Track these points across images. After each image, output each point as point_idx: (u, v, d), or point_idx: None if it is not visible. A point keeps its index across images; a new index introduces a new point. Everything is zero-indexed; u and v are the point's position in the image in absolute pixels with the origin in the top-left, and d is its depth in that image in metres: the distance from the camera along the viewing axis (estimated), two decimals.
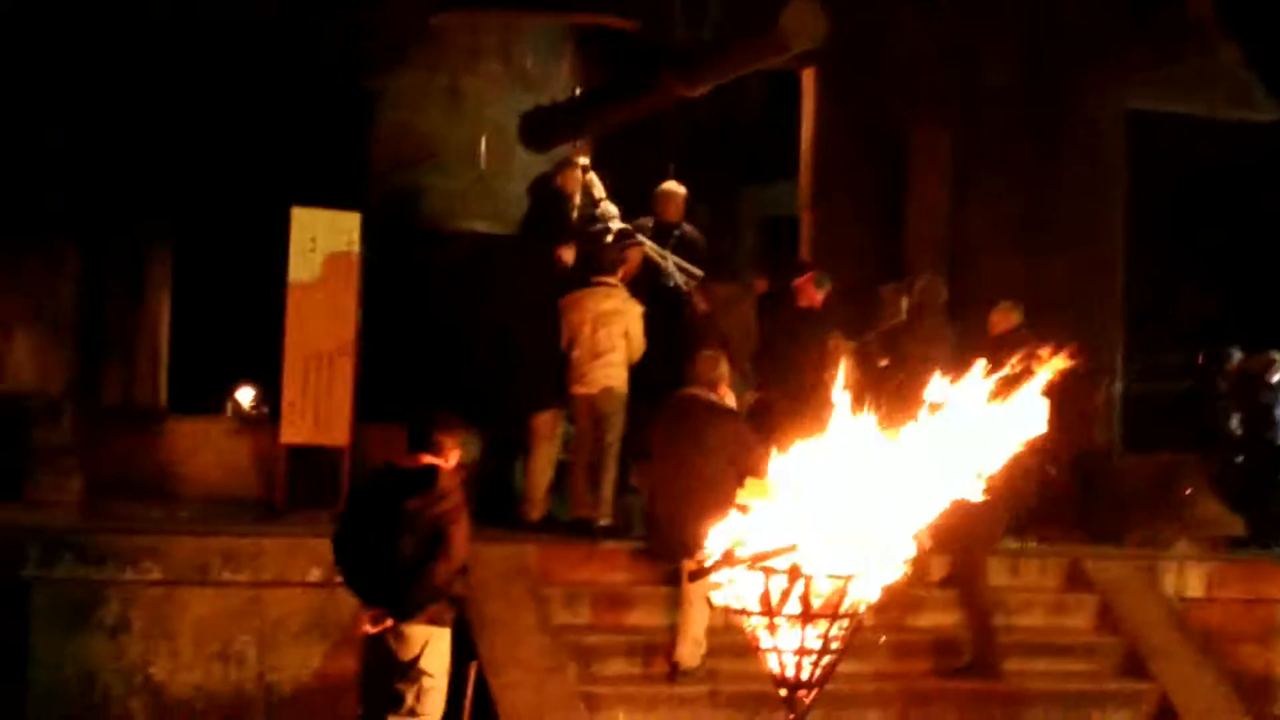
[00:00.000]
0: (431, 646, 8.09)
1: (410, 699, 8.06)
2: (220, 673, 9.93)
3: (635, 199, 13.80)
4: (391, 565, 7.96)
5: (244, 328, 12.94)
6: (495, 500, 12.53)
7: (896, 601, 11.00)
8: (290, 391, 12.29)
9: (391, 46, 14.84)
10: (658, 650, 10.30)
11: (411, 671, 8.04)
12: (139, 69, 12.51)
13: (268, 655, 10.00)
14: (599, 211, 13.28)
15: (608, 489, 11.69)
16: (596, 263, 12.05)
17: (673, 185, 13.48)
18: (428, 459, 8.17)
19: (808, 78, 14.59)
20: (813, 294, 12.31)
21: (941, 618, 11.25)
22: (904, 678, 10.74)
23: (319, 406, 12.33)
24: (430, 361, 13.63)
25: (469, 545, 8.21)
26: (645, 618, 10.58)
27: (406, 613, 7.99)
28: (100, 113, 12.24)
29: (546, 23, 15.21)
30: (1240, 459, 14.76)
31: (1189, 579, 12.14)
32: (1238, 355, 15.91)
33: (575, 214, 13.53)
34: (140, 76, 12.53)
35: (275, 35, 13.34)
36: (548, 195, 12.80)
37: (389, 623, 8.02)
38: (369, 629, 8.09)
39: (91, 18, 12.15)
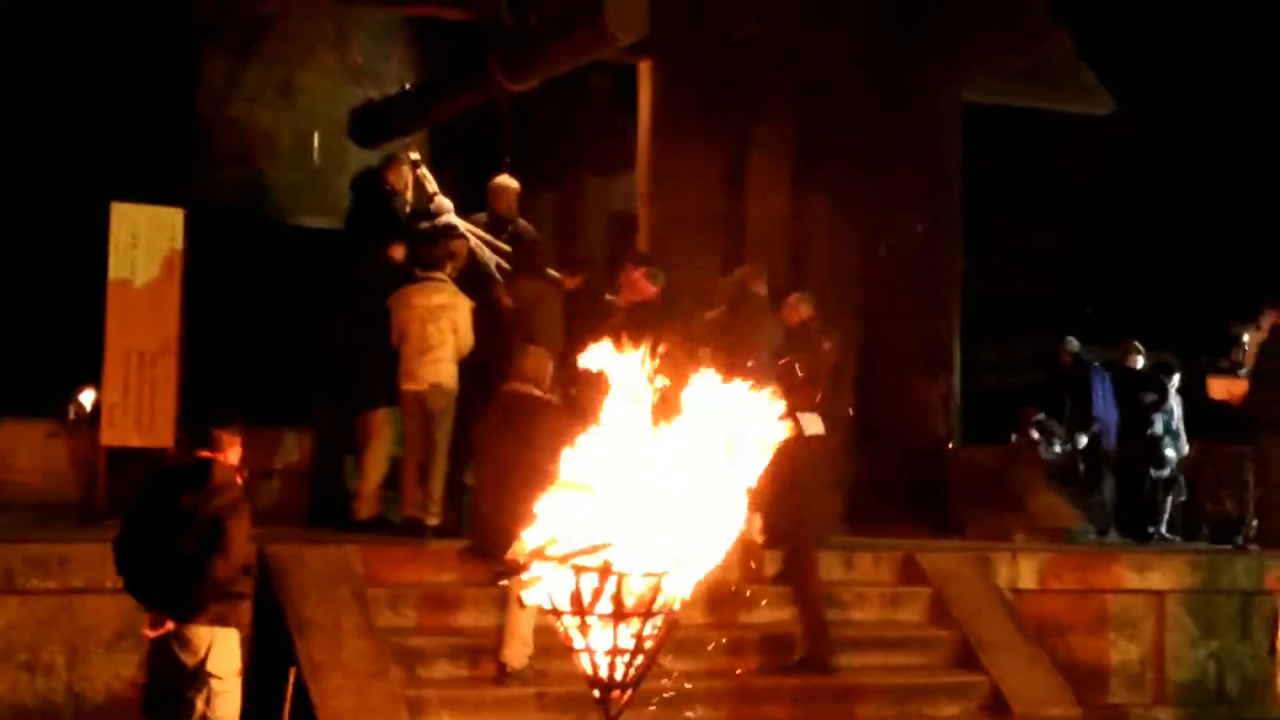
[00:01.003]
0: (218, 647, 7.84)
1: (200, 705, 7.80)
2: (28, 683, 9.55)
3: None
4: (170, 564, 7.72)
5: (67, 325, 12.56)
6: (326, 500, 12.37)
7: (728, 598, 11.10)
8: (111, 392, 11.99)
9: (226, 39, 14.59)
10: (485, 652, 10.08)
11: (199, 676, 7.80)
12: None
13: (78, 665, 9.65)
14: (433, 206, 13.07)
15: (437, 487, 11.50)
16: (424, 258, 11.86)
17: (505, 179, 13.33)
18: (205, 455, 7.96)
19: (644, 70, 14.46)
20: (645, 287, 12.18)
21: (774, 614, 11.14)
22: (736, 675, 10.62)
23: (141, 407, 12.03)
24: (261, 359, 13.40)
25: (250, 541, 7.97)
26: (473, 619, 10.37)
27: (187, 613, 7.75)
28: None
29: (380, 14, 15.00)
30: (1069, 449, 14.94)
31: (1022, 570, 12.13)
32: (1074, 345, 16.10)
33: (408, 209, 13.34)
34: None
35: (109, 19, 12.98)
36: (372, 190, 12.58)
37: (170, 625, 7.78)
38: (149, 633, 7.85)
39: None
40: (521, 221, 13.33)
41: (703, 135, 14.26)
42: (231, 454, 8.12)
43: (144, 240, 12.11)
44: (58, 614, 9.65)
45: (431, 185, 13.30)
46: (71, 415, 12.28)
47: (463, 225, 12.77)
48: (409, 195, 13.51)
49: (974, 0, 14.56)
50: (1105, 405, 15.83)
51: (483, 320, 11.84)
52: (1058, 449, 15.81)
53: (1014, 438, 16.11)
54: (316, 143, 14.91)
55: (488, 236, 12.78)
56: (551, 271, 12.75)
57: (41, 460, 12.09)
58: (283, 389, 13.01)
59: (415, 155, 13.54)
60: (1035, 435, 16.03)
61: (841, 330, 13.73)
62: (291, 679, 9.05)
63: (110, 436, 11.90)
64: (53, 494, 11.96)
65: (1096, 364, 15.97)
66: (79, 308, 12.28)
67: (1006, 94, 15.42)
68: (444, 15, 14.03)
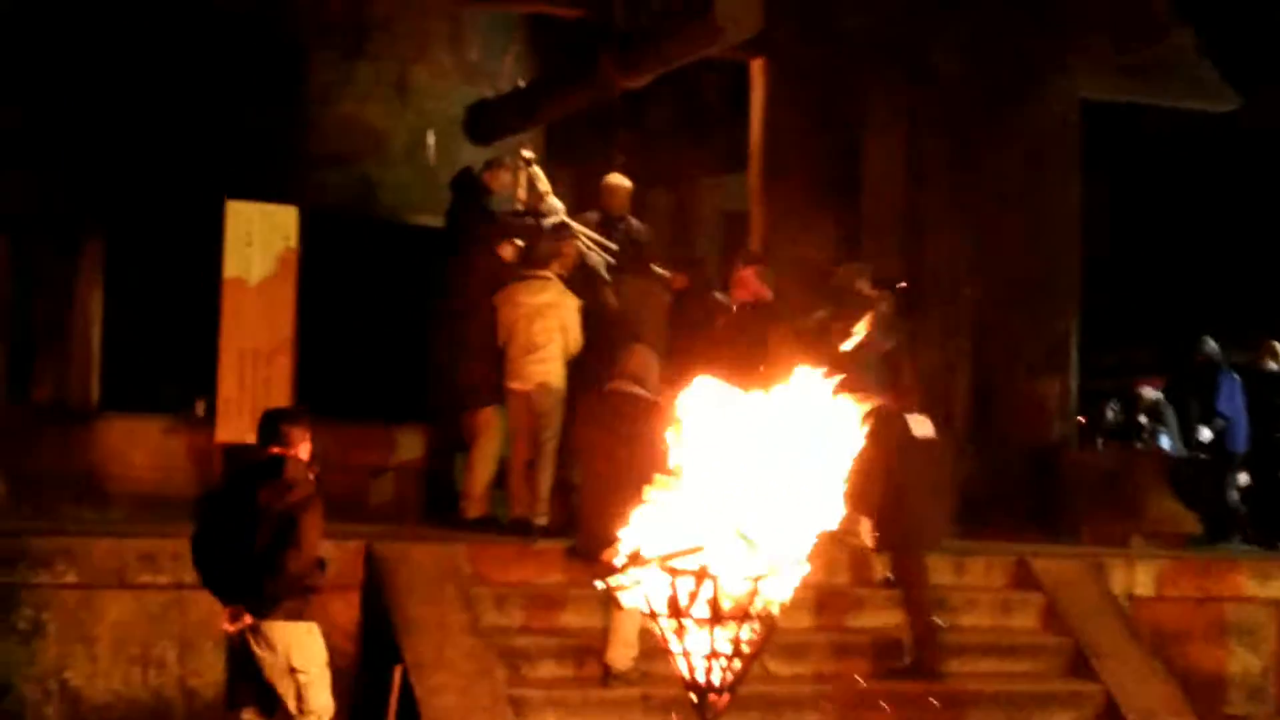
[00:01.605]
0: (297, 642, 7.93)
1: (291, 700, 7.91)
2: (139, 678, 9.68)
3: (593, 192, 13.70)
4: (244, 559, 7.80)
5: (180, 323, 12.70)
6: (439, 498, 12.43)
7: (836, 602, 11.02)
8: (226, 389, 12.08)
9: (338, 37, 14.68)
10: (590, 653, 10.07)
11: (282, 671, 7.88)
12: (69, 58, 12.25)
13: (189, 659, 9.76)
14: (543, 207, 13.08)
15: (544, 487, 11.50)
16: (530, 256, 11.86)
17: (617, 178, 13.29)
18: (276, 451, 8.03)
19: (756, 67, 14.37)
20: (756, 286, 12.09)
21: (883, 618, 11.07)
22: (843, 679, 10.53)
23: (256, 404, 12.08)
24: (372, 358, 13.47)
25: (322, 536, 8.02)
26: (578, 619, 10.34)
27: (263, 608, 7.83)
28: (29, 106, 12.00)
29: (494, 12, 15.02)
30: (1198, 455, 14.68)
31: (1138, 577, 11.95)
32: (1211, 345, 15.81)
33: (517, 206, 13.38)
34: (71, 66, 12.27)
35: (218, 21, 13.11)
36: (468, 189, 12.61)
37: (247, 620, 7.86)
38: (227, 628, 7.94)
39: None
40: (633, 220, 13.31)
41: (814, 132, 14.15)
42: (302, 449, 8.21)
43: (259, 238, 12.21)
44: (169, 609, 9.76)
45: (543, 184, 13.30)
46: (200, 412, 12.39)
47: (573, 225, 12.78)
48: (521, 194, 13.55)
49: None
50: (1233, 405, 15.55)
51: (590, 319, 11.82)
52: (1166, 443, 15.55)
53: (1110, 413, 15.83)
54: (431, 141, 14.95)
55: (595, 236, 12.77)
56: (659, 270, 12.69)
57: (157, 456, 12.20)
58: (397, 387, 13.09)
59: (528, 154, 13.57)
60: (1144, 419, 15.79)
61: (956, 331, 13.68)
62: (397, 677, 9.12)
63: (224, 433, 12.00)
64: (168, 490, 12.06)
65: (1226, 365, 15.72)
66: (194, 306, 12.40)
67: (1125, 90, 15.14)
68: (557, 13, 14.02)
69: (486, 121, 14.17)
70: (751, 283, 12.10)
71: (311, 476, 8.18)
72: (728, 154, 16.24)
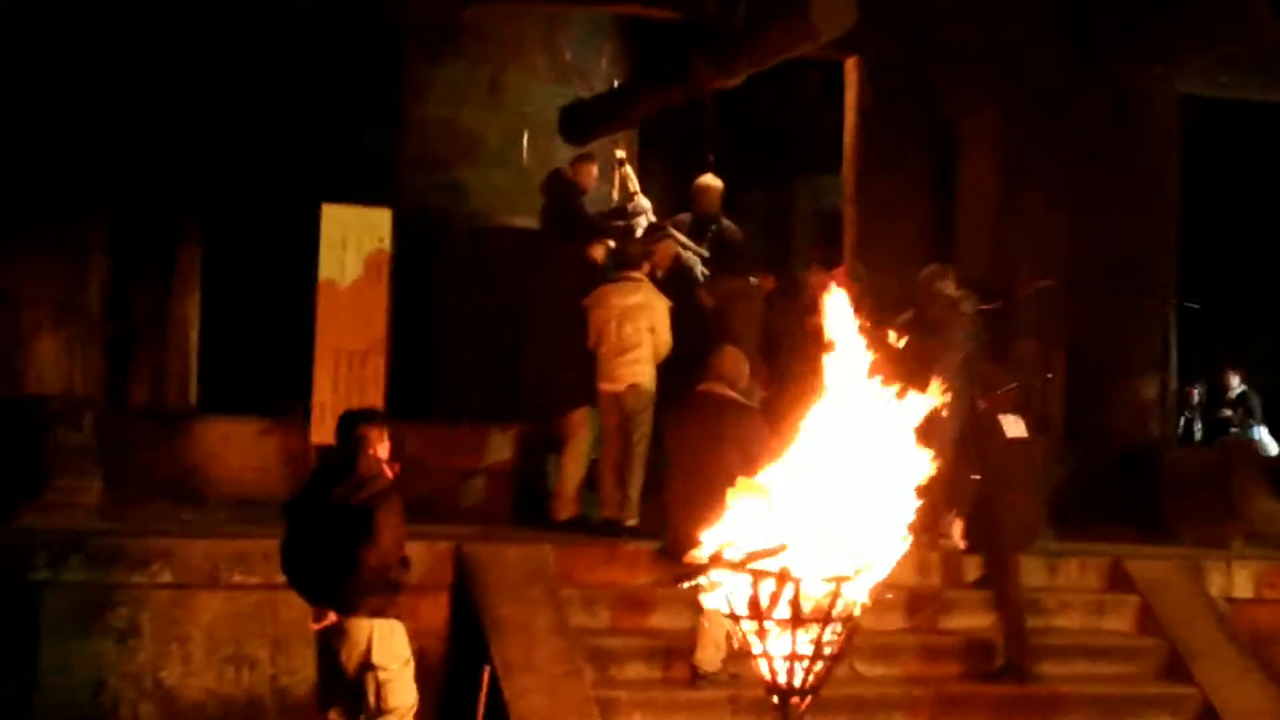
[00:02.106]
0: (379, 638, 7.99)
1: (371, 696, 7.98)
2: (233, 676, 9.83)
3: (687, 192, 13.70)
4: (324, 557, 7.87)
5: (276, 325, 12.84)
6: (530, 499, 12.48)
7: (928, 603, 10.96)
8: (321, 391, 12.16)
9: (431, 39, 14.75)
10: (678, 654, 10.07)
11: (364, 667, 7.95)
12: (165, 60, 12.41)
13: (280, 658, 9.88)
14: (632, 206, 13.11)
15: (634, 489, 11.54)
16: (622, 257, 11.88)
17: (709, 179, 13.31)
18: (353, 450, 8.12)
19: (850, 66, 14.33)
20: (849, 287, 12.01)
21: (974, 619, 10.99)
22: (934, 682, 10.48)
23: (351, 405, 12.19)
24: (465, 360, 13.55)
25: (401, 532, 8.06)
26: (666, 620, 10.36)
27: (346, 606, 7.90)
28: (127, 108, 12.16)
29: (588, 13, 15.04)
30: None
31: (1237, 579, 11.78)
32: None
33: (611, 206, 13.42)
34: (167, 68, 12.43)
35: (309, 25, 13.22)
36: (560, 189, 12.65)
37: (331, 618, 7.93)
38: (313, 626, 8.01)
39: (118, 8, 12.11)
40: (725, 221, 13.32)
41: (908, 132, 14.13)
42: (380, 449, 8.27)
43: (353, 241, 12.30)
44: (261, 609, 9.89)
45: (633, 184, 13.36)
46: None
47: (666, 227, 12.82)
48: (614, 194, 13.59)
49: None
50: None
51: (683, 320, 11.83)
52: (1261, 434, 15.35)
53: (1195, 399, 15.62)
54: (525, 142, 14.99)
55: (684, 239, 12.78)
56: (752, 279, 12.65)
57: (252, 458, 12.29)
58: (490, 388, 13.16)
59: (621, 154, 13.63)
60: (1229, 412, 15.59)
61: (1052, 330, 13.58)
62: (486, 678, 9.16)
63: (319, 434, 12.07)
64: (263, 491, 12.14)
65: None
66: (290, 308, 12.53)
67: (1227, 86, 14.92)
68: (650, 14, 14.01)
69: (581, 122, 14.18)
70: (843, 283, 12.02)
71: (390, 474, 8.24)
72: (823, 153, 16.19)
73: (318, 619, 8.02)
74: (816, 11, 10.93)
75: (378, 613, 7.98)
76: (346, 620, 7.96)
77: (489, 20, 14.93)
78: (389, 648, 8.04)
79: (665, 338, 11.63)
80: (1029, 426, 11.21)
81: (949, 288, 12.01)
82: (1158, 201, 14.38)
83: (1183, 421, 16.28)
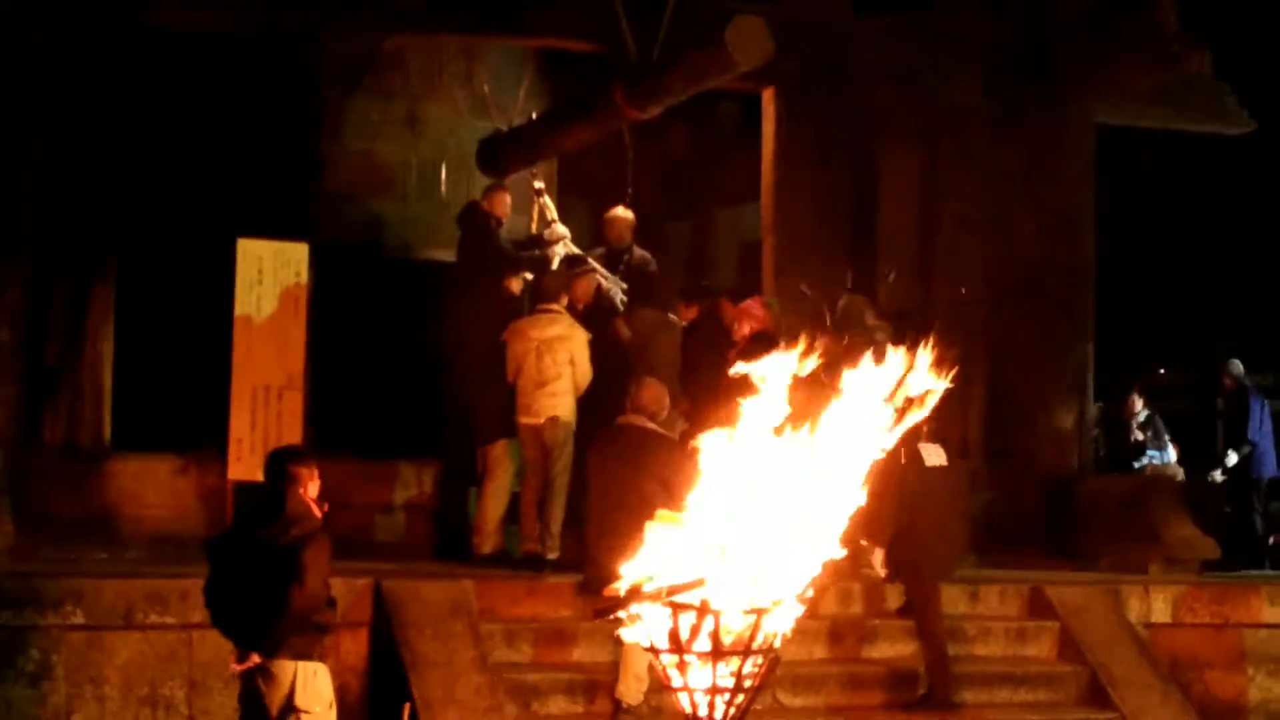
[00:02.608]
0: (302, 681, 7.83)
1: None
2: (149, 718, 9.68)
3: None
4: (248, 597, 7.75)
5: (192, 361, 12.71)
6: (450, 534, 12.41)
7: (849, 633, 10.96)
8: (238, 427, 12.09)
9: (348, 72, 14.69)
10: (600, 688, 10.03)
11: (287, 711, 7.81)
12: (78, 96, 12.28)
13: (197, 699, 9.74)
14: (546, 234, 13.10)
15: (555, 522, 11.50)
16: (539, 289, 11.86)
17: (619, 210, 13.32)
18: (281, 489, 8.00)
19: (767, 97, 14.36)
20: (763, 317, 12.06)
21: (897, 648, 11.02)
22: (857, 711, 10.49)
23: (268, 441, 12.09)
24: (383, 393, 13.47)
25: (328, 572, 7.96)
26: (588, 654, 10.32)
27: (269, 647, 7.76)
28: (38, 140, 12.04)
29: (506, 46, 15.01)
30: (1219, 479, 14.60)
31: (1155, 604, 11.85)
32: (1238, 368, 15.75)
33: (530, 233, 13.36)
34: (80, 104, 12.30)
35: (229, 58, 13.12)
36: (475, 221, 12.62)
37: (255, 659, 7.79)
38: (235, 668, 7.87)
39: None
40: (638, 251, 13.30)
41: (826, 162, 14.16)
42: (310, 487, 8.15)
43: (269, 275, 12.25)
44: (177, 649, 9.76)
45: (551, 214, 13.34)
46: None
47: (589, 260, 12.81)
48: (533, 225, 13.55)
49: (1106, 22, 14.26)
50: (1261, 431, 15.50)
51: (603, 352, 11.81)
52: (1168, 457, 15.49)
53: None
54: (443, 175, 14.97)
55: (604, 272, 12.77)
56: (670, 315, 12.64)
57: (168, 495, 12.20)
58: (408, 423, 13.09)
59: (539, 184, 13.58)
60: (1139, 435, 15.72)
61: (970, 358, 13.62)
62: (406, 715, 9.08)
63: (236, 471, 12.00)
64: (180, 529, 12.03)
65: (1256, 390, 15.68)
66: (206, 344, 12.41)
67: (1140, 115, 15.08)
68: (569, 47, 14.00)
69: (498, 155, 14.13)
70: (756, 313, 12.07)
71: (319, 514, 8.12)
72: (744, 184, 16.20)
73: (241, 660, 7.87)
74: (732, 43, 10.92)
75: (302, 655, 7.84)
76: (270, 662, 7.82)
77: (406, 53, 14.91)
78: (313, 690, 7.90)
79: (585, 369, 11.61)
80: (949, 454, 11.23)
81: (866, 317, 12.06)
82: (1075, 230, 14.50)
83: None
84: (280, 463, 8.09)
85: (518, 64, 15.30)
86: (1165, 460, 15.88)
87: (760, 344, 11.88)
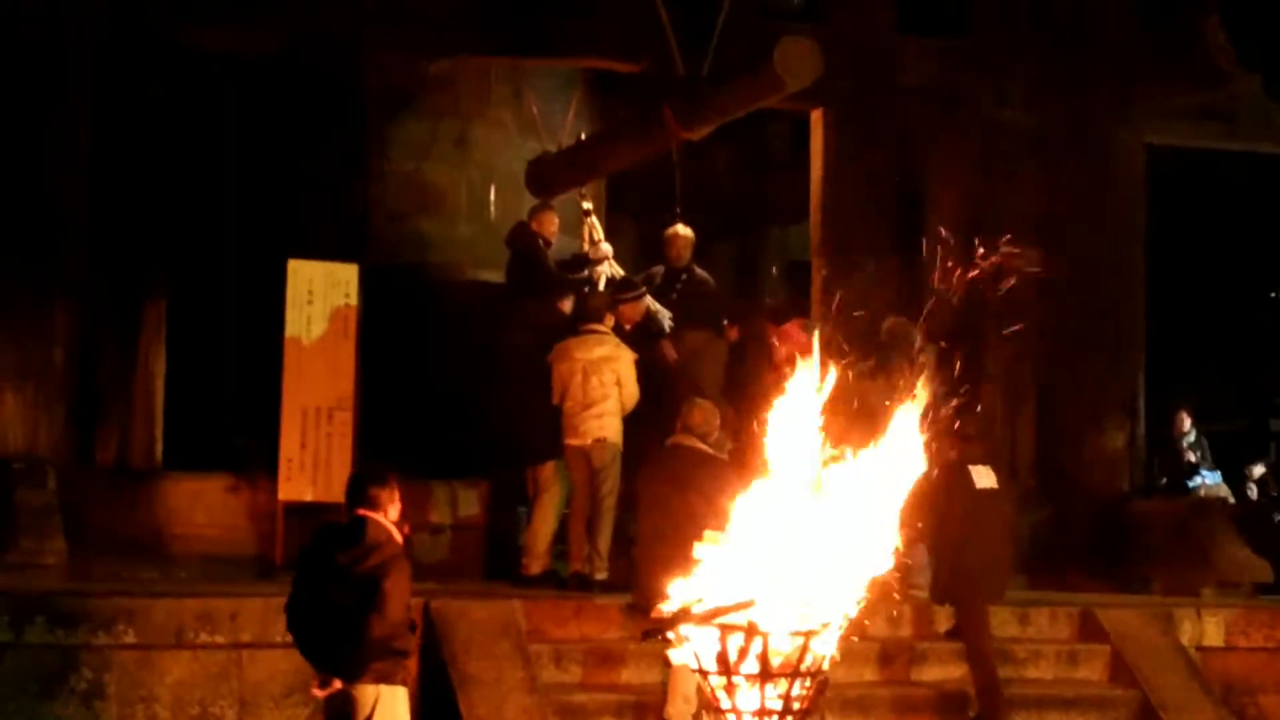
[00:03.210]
0: (382, 705, 7.84)
1: None
2: None
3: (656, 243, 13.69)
4: (330, 624, 7.74)
5: (244, 381, 12.80)
6: (497, 555, 12.44)
7: (900, 655, 10.93)
8: (288, 447, 12.16)
9: (398, 94, 14.77)
10: (649, 709, 9.99)
11: None
12: (132, 116, 12.38)
13: (247, 718, 9.77)
14: (591, 252, 13.10)
15: (603, 543, 11.50)
16: (584, 310, 11.86)
17: (679, 228, 13.29)
18: (361, 513, 7.96)
19: (816, 117, 14.35)
20: (802, 339, 12.03)
21: (946, 671, 10.96)
22: None
23: (318, 462, 12.21)
24: (433, 414, 13.51)
25: (410, 597, 7.96)
26: (636, 675, 10.29)
27: (350, 673, 7.77)
28: (92, 159, 12.12)
29: (554, 68, 15.06)
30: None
31: (1207, 627, 11.75)
32: None
33: (577, 253, 13.37)
34: (134, 124, 12.40)
35: (279, 79, 13.20)
36: (524, 241, 12.66)
37: (337, 685, 7.79)
38: (318, 693, 7.88)
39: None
40: (698, 270, 13.30)
41: (875, 182, 14.13)
42: (390, 510, 8.11)
43: (319, 296, 12.32)
44: (228, 668, 9.77)
45: (598, 233, 13.33)
46: None
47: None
48: (584, 246, 13.56)
49: (1150, 42, 14.22)
50: None
51: (649, 373, 11.81)
52: (1215, 478, 15.40)
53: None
54: (492, 196, 15.02)
55: (654, 304, 12.75)
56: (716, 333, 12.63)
57: (219, 515, 12.26)
58: (459, 443, 13.12)
59: (588, 204, 13.58)
60: (1191, 457, 15.62)
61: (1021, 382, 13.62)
62: None
63: (287, 491, 12.08)
64: (231, 549, 12.14)
65: None
66: (257, 364, 12.49)
67: (1191, 135, 15.01)
68: (616, 67, 14.03)
69: (547, 175, 14.19)
70: (797, 336, 12.05)
71: (399, 538, 8.08)
72: (793, 204, 16.20)
73: (323, 685, 7.87)
74: (781, 63, 10.92)
75: (383, 678, 7.81)
76: (352, 687, 7.82)
77: (455, 75, 14.97)
78: (393, 713, 7.90)
79: (631, 390, 11.61)
80: (999, 476, 11.19)
81: (913, 339, 12.02)
82: (1125, 250, 14.43)
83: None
84: (361, 485, 8.05)
85: (566, 85, 15.37)
86: (1215, 481, 15.77)
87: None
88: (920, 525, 11.23)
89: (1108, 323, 14.28)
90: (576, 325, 11.80)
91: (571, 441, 11.60)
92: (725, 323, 12.78)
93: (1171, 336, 16.15)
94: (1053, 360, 14.11)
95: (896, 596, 10.80)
